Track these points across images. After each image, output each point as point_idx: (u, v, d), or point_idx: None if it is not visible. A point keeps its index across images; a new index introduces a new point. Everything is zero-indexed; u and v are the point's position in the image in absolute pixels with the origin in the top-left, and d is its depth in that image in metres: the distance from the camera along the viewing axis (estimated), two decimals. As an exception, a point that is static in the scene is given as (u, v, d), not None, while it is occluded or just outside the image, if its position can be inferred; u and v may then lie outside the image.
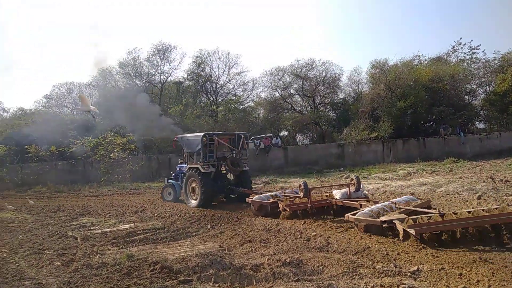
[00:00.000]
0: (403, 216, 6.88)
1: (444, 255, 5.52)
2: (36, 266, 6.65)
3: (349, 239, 6.59)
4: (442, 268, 4.98)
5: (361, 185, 9.84)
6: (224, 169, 13.09)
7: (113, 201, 14.94)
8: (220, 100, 31.05)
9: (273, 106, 33.74)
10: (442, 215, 6.44)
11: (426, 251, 5.70)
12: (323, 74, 33.19)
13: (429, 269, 4.97)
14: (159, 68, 30.36)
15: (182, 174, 13.37)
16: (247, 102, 32.71)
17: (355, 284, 4.73)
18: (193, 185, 12.20)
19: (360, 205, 8.44)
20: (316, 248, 6.21)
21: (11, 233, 9.65)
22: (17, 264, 6.79)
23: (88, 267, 6.26)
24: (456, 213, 6.59)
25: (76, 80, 45.12)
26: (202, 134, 12.53)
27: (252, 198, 10.39)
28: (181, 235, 8.52)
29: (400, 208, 7.80)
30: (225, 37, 69.49)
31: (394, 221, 6.62)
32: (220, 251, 6.98)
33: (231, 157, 12.75)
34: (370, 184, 15.57)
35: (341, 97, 34.99)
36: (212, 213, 10.06)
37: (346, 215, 7.68)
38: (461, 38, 38.90)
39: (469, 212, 6.58)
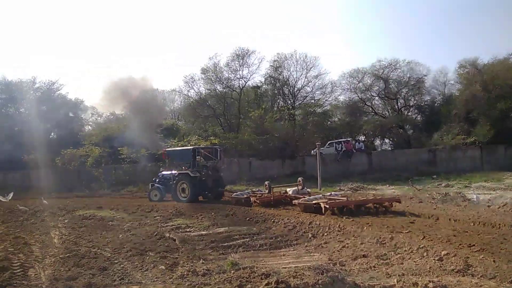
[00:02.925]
0: (325, 200, 11.15)
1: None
2: (141, 269, 6.51)
3: (493, 261, 5.44)
4: None
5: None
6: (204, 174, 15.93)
7: (201, 203, 14.97)
8: (298, 103, 30.36)
9: (352, 109, 32.26)
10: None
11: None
12: (408, 75, 30.93)
13: None
14: (238, 73, 30.69)
15: (165, 180, 16.54)
16: (325, 106, 31.59)
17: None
18: (183, 186, 15.48)
19: (303, 197, 12.61)
20: (456, 271, 5.18)
21: (111, 231, 9.90)
22: (121, 265, 6.72)
23: (194, 273, 5.91)
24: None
25: (159, 87, 47.65)
26: (191, 147, 16.79)
27: (232, 195, 15.28)
28: (280, 243, 7.95)
29: (324, 196, 12.10)
30: (304, 39, 69.01)
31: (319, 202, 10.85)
32: (331, 265, 6.26)
33: (212, 165, 16.45)
34: (480, 194, 13.72)
35: (426, 99, 32.38)
36: (309, 221, 9.35)
37: (293, 201, 12.56)
38: None
39: None
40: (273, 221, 10.07)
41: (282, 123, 25.56)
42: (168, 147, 18.09)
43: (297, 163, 24.53)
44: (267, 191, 14.19)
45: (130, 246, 7.95)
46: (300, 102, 30.93)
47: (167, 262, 6.74)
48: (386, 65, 30.40)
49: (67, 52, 72.67)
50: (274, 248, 7.61)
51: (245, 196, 14.47)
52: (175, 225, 10.37)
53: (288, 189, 14.38)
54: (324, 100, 31.13)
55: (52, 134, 32.61)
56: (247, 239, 8.32)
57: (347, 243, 7.33)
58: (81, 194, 21.93)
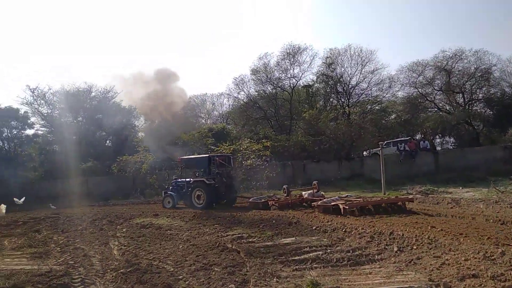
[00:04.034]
0: (342, 201, 12.07)
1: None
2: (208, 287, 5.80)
3: None
4: None
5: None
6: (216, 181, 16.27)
7: (259, 212, 14.20)
8: (352, 101, 28.72)
9: (411, 105, 30.07)
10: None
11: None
12: (474, 66, 28.19)
13: None
14: (288, 72, 29.68)
15: (178, 187, 17.20)
16: (383, 103, 29.59)
17: None
18: (199, 193, 16.01)
19: (320, 199, 13.30)
20: None
21: (170, 241, 9.36)
22: (187, 282, 6.05)
23: (271, 295, 5.08)
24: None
25: (208, 92, 48.04)
26: (207, 156, 17.06)
27: (249, 200, 16.07)
28: (361, 257, 6.87)
29: (341, 198, 13.00)
30: (360, 33, 67.04)
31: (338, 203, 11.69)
32: (434, 287, 5.15)
33: (226, 172, 16.84)
34: None
35: (493, 91, 29.31)
36: (388, 231, 8.18)
37: (312, 203, 13.22)
38: None
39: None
40: (344, 231, 8.99)
41: (338, 123, 24.11)
42: (184, 156, 18.46)
43: (354, 165, 23.07)
44: (285, 194, 15.14)
45: (193, 259, 7.31)
46: (355, 100, 29.22)
47: (236, 280, 5.97)
48: (450, 55, 27.91)
49: (110, 58, 75.87)
50: (355, 264, 6.56)
51: (263, 200, 15.23)
52: (235, 234, 9.62)
53: (303, 193, 15.33)
54: (381, 97, 29.15)
55: (107, 141, 33.60)
56: (320, 252, 7.33)
57: (447, 259, 6.11)
58: (136, 201, 22.11)
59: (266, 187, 20.23)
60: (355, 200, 12.65)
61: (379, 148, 18.59)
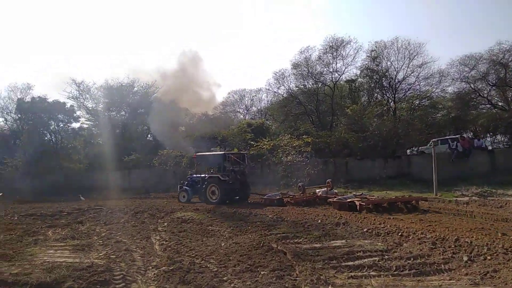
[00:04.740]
0: (358, 199, 12.77)
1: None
2: (257, 292, 5.34)
3: None
4: None
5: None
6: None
7: (302, 209, 13.60)
8: (399, 96, 27.20)
9: (462, 101, 28.08)
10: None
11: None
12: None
13: None
14: (331, 66, 28.59)
15: (193, 182, 17.66)
16: (432, 98, 27.78)
17: None
18: (213, 189, 16.32)
19: (334, 197, 13.93)
20: None
21: (212, 238, 9.02)
22: (232, 285, 5.60)
23: (326, 306, 4.51)
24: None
25: (247, 87, 47.82)
26: (222, 153, 17.49)
27: (264, 197, 16.43)
28: (424, 266, 6.12)
29: (356, 196, 13.74)
30: (407, 25, 64.40)
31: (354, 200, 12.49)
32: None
33: (240, 169, 17.16)
34: None
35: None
36: (453, 237, 7.34)
37: (328, 200, 13.87)
38: None
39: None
40: (400, 235, 8.23)
41: (384, 119, 22.85)
42: (199, 152, 18.96)
43: (401, 163, 21.75)
44: (300, 191, 16.22)
45: (237, 259, 6.87)
46: (401, 95, 27.65)
47: (287, 286, 5.45)
48: (507, 48, 25.68)
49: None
50: (420, 274, 5.82)
51: (278, 197, 15.72)
52: (280, 233, 9.11)
53: (317, 190, 16.13)
54: (430, 92, 27.37)
55: (148, 135, 34.15)
56: (376, 258, 6.66)
57: (532, 274, 5.28)
58: (177, 194, 22.14)
59: (306, 184, 19.54)
60: (371, 197, 13.84)
61: (428, 146, 17.40)
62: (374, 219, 10.11)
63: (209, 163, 17.84)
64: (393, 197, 14.32)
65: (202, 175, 17.40)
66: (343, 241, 7.98)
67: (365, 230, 8.94)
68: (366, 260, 6.65)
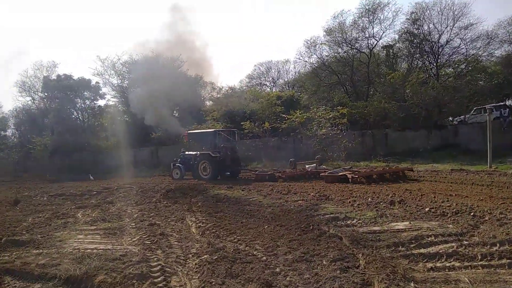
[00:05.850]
0: (349, 172, 13.66)
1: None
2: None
3: None
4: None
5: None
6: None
7: (345, 184, 12.59)
8: (442, 61, 25.01)
9: (510, 66, 25.65)
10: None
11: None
12: None
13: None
14: (367, 31, 26.56)
15: (186, 160, 18.27)
16: (480, 62, 25.40)
17: None
18: (205, 165, 16.95)
19: (324, 171, 14.80)
20: None
21: (252, 219, 8.14)
22: (288, 279, 4.69)
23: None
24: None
25: (274, 59, 46.16)
26: (212, 130, 18.12)
27: (256, 173, 16.51)
28: (520, 255, 5.02)
29: (345, 170, 14.57)
30: None
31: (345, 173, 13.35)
32: None
33: (230, 146, 17.61)
34: None
35: None
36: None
37: (320, 174, 14.52)
38: None
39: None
40: (473, 215, 7.07)
41: (427, 86, 21.00)
42: (191, 129, 19.78)
43: (446, 134, 20.11)
44: (291, 167, 16.91)
45: (286, 245, 5.98)
46: (444, 60, 25.41)
47: (355, 281, 4.48)
48: None
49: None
50: (518, 265, 4.73)
51: (269, 172, 16.11)
52: (328, 213, 8.13)
53: (307, 166, 16.59)
54: (478, 56, 25.00)
55: (174, 111, 33.53)
56: (453, 244, 5.59)
57: None
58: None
59: (343, 159, 18.37)
60: (362, 169, 14.85)
61: (477, 114, 15.74)
62: (434, 197, 8.98)
63: (200, 140, 18.39)
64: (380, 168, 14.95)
65: (194, 153, 18.01)
66: (406, 223, 6.91)
67: (427, 209, 7.81)
68: (441, 246, 5.59)
